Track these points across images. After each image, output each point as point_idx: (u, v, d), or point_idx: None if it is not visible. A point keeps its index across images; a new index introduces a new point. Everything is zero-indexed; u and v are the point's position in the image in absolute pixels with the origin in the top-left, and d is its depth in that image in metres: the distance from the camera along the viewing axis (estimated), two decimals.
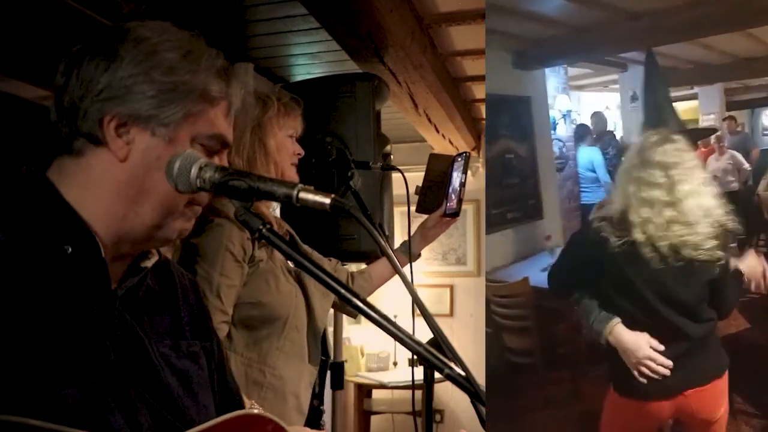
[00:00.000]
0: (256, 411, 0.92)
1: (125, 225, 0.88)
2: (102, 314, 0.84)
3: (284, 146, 1.72)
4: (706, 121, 2.26)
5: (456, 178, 1.89)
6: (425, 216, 1.98)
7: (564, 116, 2.21)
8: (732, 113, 2.27)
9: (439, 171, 1.95)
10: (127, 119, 0.86)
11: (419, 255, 1.99)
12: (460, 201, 1.86)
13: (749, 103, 2.24)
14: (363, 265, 2.14)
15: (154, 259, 0.95)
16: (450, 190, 1.90)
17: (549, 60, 1.96)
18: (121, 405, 0.80)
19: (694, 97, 2.25)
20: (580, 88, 2.50)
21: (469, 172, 1.93)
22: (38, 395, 0.73)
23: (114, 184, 0.87)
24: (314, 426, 1.73)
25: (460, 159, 1.91)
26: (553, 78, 2.16)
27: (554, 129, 2.14)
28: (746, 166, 2.24)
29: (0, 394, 0.71)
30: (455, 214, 1.88)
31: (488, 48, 1.57)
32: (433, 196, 1.95)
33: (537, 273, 1.70)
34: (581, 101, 2.49)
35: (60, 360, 0.76)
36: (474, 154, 4.88)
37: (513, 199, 1.87)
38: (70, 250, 0.82)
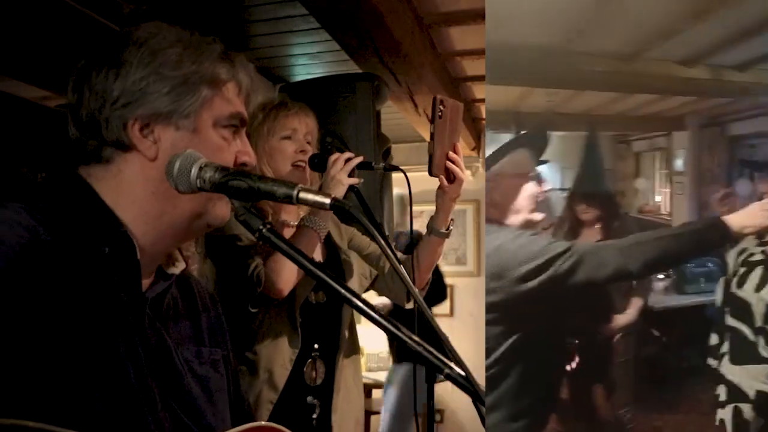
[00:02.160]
0: (266, 423, 0.95)
1: (164, 221, 0.89)
2: (133, 316, 0.85)
3: (278, 150, 1.73)
4: None
5: None
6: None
7: None
8: None
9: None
10: (149, 119, 0.87)
11: (449, 230, 1.84)
12: (430, 157, 1.65)
13: None
14: None
15: (181, 266, 0.97)
16: None
17: None
18: (146, 408, 0.81)
19: None
20: None
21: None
22: (68, 394, 0.74)
23: (149, 184, 0.88)
24: (304, 421, 1.73)
25: None
26: None
27: None
28: None
29: (29, 392, 0.71)
30: (432, 175, 1.68)
31: None
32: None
33: None
34: None
35: (92, 360, 0.77)
36: (473, 153, 4.88)
37: None
38: (107, 250, 0.83)
